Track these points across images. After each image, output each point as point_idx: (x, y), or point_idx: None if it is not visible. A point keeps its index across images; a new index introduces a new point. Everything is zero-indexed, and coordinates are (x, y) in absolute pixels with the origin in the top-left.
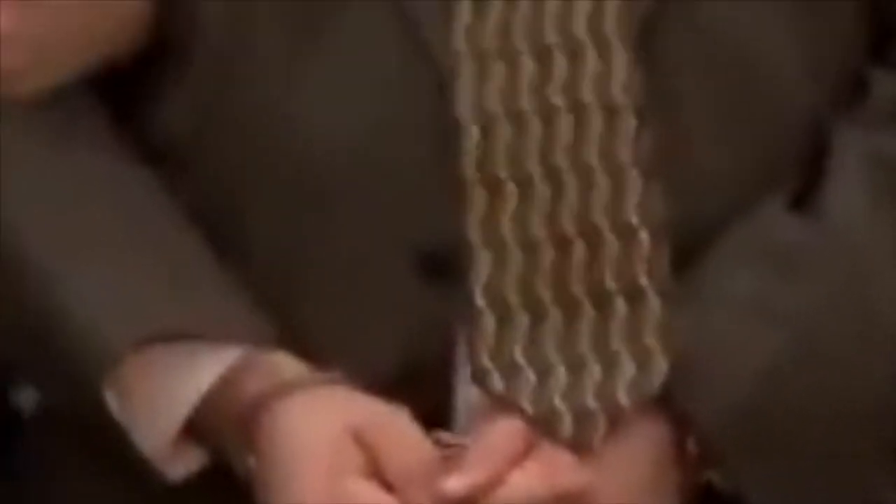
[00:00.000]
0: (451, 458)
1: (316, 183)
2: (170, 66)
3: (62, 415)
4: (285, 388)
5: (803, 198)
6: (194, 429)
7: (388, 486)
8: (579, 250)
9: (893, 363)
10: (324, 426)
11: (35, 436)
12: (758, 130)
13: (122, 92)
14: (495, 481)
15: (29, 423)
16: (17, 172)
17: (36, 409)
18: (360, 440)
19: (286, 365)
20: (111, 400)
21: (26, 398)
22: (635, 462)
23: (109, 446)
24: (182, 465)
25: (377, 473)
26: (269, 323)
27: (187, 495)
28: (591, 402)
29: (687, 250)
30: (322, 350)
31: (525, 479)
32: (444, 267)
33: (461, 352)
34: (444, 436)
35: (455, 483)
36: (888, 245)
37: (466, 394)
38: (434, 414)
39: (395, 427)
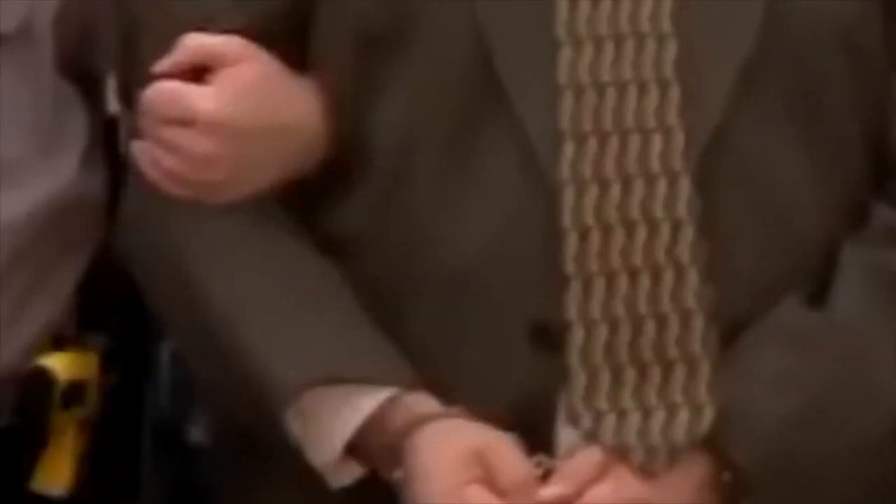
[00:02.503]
0: (545, 475)
1: (456, 278)
2: (346, 179)
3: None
4: (423, 420)
5: (817, 297)
6: (354, 448)
7: (499, 494)
8: (650, 327)
9: (888, 422)
10: (451, 447)
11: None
12: (782, 247)
13: (305, 193)
14: (578, 493)
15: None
16: (226, 258)
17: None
18: (478, 458)
19: (424, 403)
20: (292, 427)
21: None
22: (686, 486)
23: (286, 459)
24: (346, 475)
25: (490, 483)
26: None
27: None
28: (656, 440)
29: (730, 329)
30: (453, 396)
31: (600, 492)
32: (551, 338)
33: (561, 400)
34: (542, 458)
35: (549, 492)
36: (884, 333)
37: (565, 432)
38: (539, 446)
39: (505, 449)
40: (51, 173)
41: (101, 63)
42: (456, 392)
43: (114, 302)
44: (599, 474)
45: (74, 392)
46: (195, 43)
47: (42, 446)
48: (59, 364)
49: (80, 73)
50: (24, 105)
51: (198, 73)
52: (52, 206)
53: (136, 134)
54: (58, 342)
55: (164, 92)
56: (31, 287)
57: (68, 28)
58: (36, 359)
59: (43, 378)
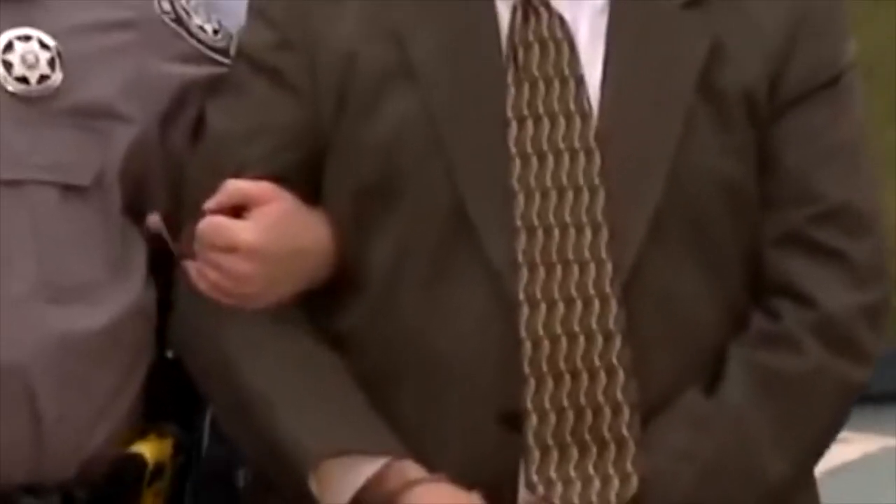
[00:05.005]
0: None
1: (437, 376)
2: (349, 291)
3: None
4: (412, 483)
5: (711, 388)
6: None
7: None
8: (588, 415)
9: (763, 487)
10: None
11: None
12: (689, 352)
13: (318, 299)
14: None
15: (244, 493)
16: (257, 351)
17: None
18: None
19: (412, 469)
20: (312, 485)
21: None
22: None
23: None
24: None
25: None
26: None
27: None
28: (595, 501)
29: (646, 414)
30: (435, 466)
31: None
32: (514, 422)
33: (522, 471)
34: None
35: None
36: (760, 416)
37: (524, 495)
38: None
39: None
40: (122, 292)
41: (148, 205)
42: (437, 463)
43: (169, 394)
44: None
45: (157, 472)
46: (235, 187)
47: None
48: (148, 450)
49: (136, 214)
50: (100, 241)
51: (236, 209)
52: (125, 318)
53: (182, 256)
54: (143, 431)
55: (213, 225)
56: (117, 385)
57: (128, 180)
58: (122, 443)
59: (137, 462)
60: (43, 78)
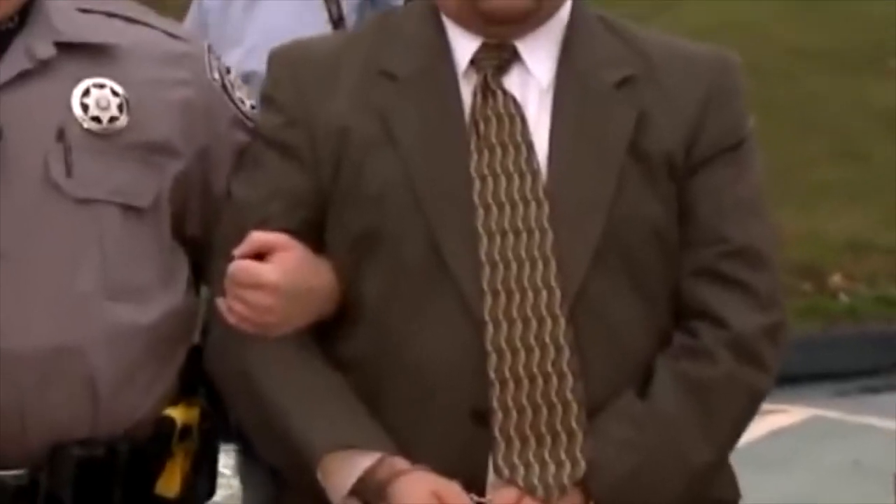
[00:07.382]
0: None
1: (419, 383)
2: (347, 321)
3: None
4: (400, 473)
5: (642, 391)
6: (356, 491)
7: None
8: (544, 412)
9: (689, 474)
10: (418, 491)
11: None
12: (624, 361)
13: (324, 328)
14: None
15: None
16: (275, 369)
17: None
18: (437, 497)
19: (400, 462)
20: (319, 476)
21: None
22: None
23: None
24: None
25: None
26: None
27: None
28: (551, 482)
29: (590, 411)
30: (418, 458)
31: None
32: (484, 418)
33: (490, 459)
34: (476, 497)
35: None
36: (685, 416)
37: (493, 479)
38: (478, 490)
39: (455, 491)
40: (167, 297)
41: (187, 229)
42: (419, 457)
43: (198, 375)
44: (517, 501)
45: (185, 432)
46: (258, 236)
47: (163, 465)
48: (178, 414)
49: (180, 237)
50: (153, 254)
51: (258, 255)
52: (167, 318)
53: (214, 293)
54: (174, 400)
55: (241, 267)
56: (161, 368)
57: (174, 206)
58: (162, 410)
59: (168, 422)
60: (112, 119)
